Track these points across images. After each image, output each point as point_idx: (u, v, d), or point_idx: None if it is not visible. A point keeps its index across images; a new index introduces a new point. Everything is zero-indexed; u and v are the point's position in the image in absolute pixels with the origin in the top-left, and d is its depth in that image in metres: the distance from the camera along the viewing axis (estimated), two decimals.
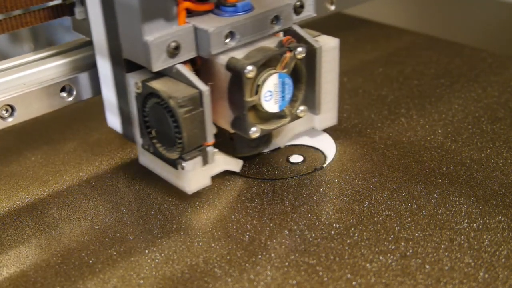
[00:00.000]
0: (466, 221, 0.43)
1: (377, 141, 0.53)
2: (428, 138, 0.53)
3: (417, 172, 0.49)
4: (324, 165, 0.50)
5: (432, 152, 0.51)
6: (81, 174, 0.52)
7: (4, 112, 0.46)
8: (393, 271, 0.39)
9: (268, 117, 0.46)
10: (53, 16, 0.48)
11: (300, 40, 0.47)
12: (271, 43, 0.46)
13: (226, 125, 0.46)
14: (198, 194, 0.48)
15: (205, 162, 0.45)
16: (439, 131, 0.54)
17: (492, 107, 0.57)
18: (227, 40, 0.43)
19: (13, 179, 0.52)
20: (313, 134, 0.54)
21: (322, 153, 0.52)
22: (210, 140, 0.44)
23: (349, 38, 0.75)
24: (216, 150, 0.47)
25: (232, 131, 0.46)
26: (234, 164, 0.49)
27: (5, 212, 0.48)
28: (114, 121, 0.49)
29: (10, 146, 0.56)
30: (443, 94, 0.60)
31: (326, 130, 0.55)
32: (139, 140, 0.47)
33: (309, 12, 0.48)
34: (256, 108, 0.45)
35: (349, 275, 0.39)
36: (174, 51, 0.42)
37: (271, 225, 0.44)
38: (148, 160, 0.48)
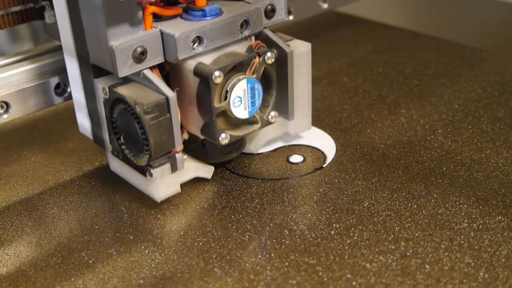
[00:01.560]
0: (466, 221, 0.43)
1: (377, 141, 0.53)
2: (428, 138, 0.53)
3: (417, 172, 0.49)
4: (324, 165, 0.50)
5: (432, 152, 0.51)
6: (81, 174, 0.52)
7: None
8: (393, 271, 0.39)
9: (238, 123, 0.46)
10: (23, 20, 0.47)
11: (272, 44, 0.46)
12: (241, 48, 0.45)
13: (196, 131, 0.46)
14: (198, 194, 0.48)
15: (174, 168, 0.44)
16: (439, 131, 0.54)
17: (492, 107, 0.57)
18: (195, 45, 0.42)
19: (13, 179, 0.52)
20: (313, 134, 0.54)
21: (322, 153, 0.52)
22: (179, 146, 0.43)
23: (349, 38, 0.75)
24: (186, 156, 0.46)
25: (202, 137, 0.46)
26: (205, 171, 0.48)
27: (5, 212, 0.48)
28: (85, 126, 0.48)
29: (10, 146, 0.56)
30: (443, 94, 0.60)
31: (326, 130, 0.55)
32: (109, 146, 0.46)
33: (281, 16, 0.47)
34: (226, 114, 0.44)
35: (349, 275, 0.39)
36: (140, 57, 0.41)
37: (271, 225, 0.44)
38: (118, 167, 0.47)
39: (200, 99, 0.43)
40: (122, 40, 0.41)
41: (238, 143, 0.49)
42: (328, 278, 0.39)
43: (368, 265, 0.40)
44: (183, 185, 0.49)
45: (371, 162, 0.50)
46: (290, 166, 0.50)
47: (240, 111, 0.44)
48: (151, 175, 0.43)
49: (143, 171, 0.44)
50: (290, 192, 0.47)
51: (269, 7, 0.46)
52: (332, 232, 0.43)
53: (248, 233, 0.44)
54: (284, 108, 0.48)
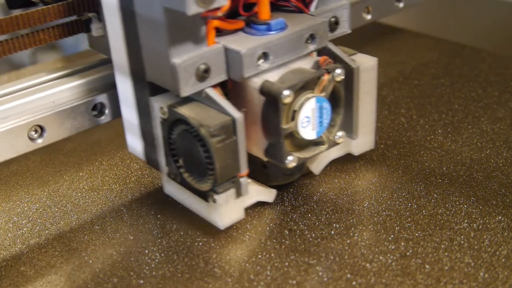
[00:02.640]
0: (466, 221, 0.43)
1: (377, 141, 0.53)
2: (428, 138, 0.53)
3: (417, 172, 0.49)
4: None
5: (432, 152, 0.51)
6: (81, 174, 0.52)
7: (33, 133, 0.43)
8: (393, 271, 0.39)
9: (305, 144, 0.43)
10: (68, 33, 0.45)
11: (336, 59, 0.44)
12: (306, 64, 0.42)
13: (259, 153, 0.43)
14: None
15: (239, 194, 0.41)
16: (439, 131, 0.54)
17: (492, 107, 0.57)
18: (260, 62, 0.40)
19: (13, 179, 0.52)
20: None
21: None
22: (244, 170, 0.41)
23: (349, 38, 0.75)
24: (250, 180, 0.43)
25: (265, 159, 0.43)
26: (268, 194, 0.46)
27: (5, 212, 0.48)
28: (135, 146, 0.45)
29: None
30: (443, 94, 0.60)
31: None
32: (164, 168, 0.43)
33: (344, 28, 0.45)
34: (292, 135, 0.42)
35: (349, 275, 0.39)
36: (203, 74, 0.39)
37: (271, 225, 0.44)
38: (174, 190, 0.45)
39: (266, 119, 0.41)
40: (185, 57, 0.38)
41: (300, 164, 0.45)
42: (328, 278, 0.39)
43: (368, 265, 0.40)
44: None
45: (371, 162, 0.50)
46: None
47: (308, 132, 0.42)
48: (214, 201, 0.41)
49: (205, 196, 0.41)
50: (290, 192, 0.47)
51: (332, 19, 0.44)
52: (332, 232, 0.43)
53: (248, 233, 0.44)
54: (348, 126, 0.46)
